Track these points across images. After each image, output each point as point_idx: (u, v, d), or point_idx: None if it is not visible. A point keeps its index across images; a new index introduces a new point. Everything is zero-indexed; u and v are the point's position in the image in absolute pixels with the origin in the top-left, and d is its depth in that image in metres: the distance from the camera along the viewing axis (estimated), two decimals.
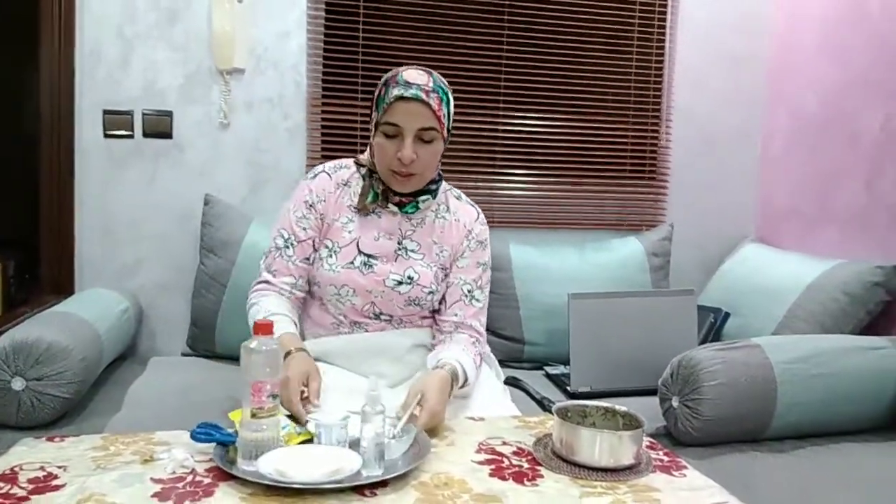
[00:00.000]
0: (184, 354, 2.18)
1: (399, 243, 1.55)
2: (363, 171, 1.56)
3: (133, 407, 1.69)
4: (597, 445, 1.18)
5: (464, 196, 1.66)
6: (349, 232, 1.54)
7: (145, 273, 2.25)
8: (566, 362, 2.08)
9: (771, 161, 2.64)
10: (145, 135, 2.23)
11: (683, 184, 2.63)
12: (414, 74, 1.45)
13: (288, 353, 1.37)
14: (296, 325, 1.50)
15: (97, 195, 2.22)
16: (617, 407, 1.30)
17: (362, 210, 1.54)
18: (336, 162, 1.61)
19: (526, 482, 1.13)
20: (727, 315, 2.23)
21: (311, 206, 1.54)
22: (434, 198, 1.57)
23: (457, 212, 1.60)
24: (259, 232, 2.11)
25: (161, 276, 2.26)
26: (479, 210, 1.65)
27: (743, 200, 2.69)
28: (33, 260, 2.26)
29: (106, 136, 2.22)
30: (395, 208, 1.54)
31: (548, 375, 2.12)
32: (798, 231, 2.48)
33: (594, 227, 2.56)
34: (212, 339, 2.10)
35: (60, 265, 2.19)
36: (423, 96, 1.42)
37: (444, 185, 1.61)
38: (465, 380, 1.46)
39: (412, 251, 1.55)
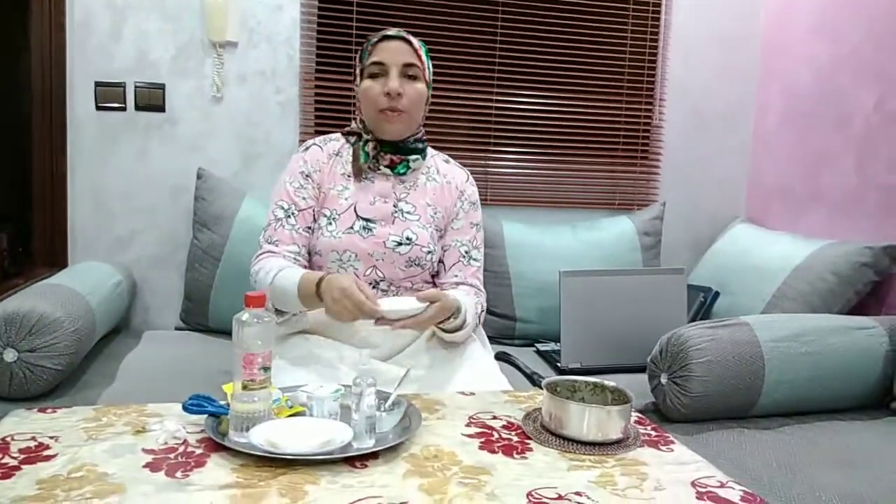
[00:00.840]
0: (177, 328, 2.18)
1: (395, 206, 1.58)
2: (352, 139, 1.60)
3: (126, 380, 1.70)
4: (585, 420, 1.19)
5: (452, 160, 1.71)
6: (346, 199, 1.56)
7: (138, 246, 2.25)
8: (557, 339, 2.09)
9: (762, 140, 2.64)
10: (137, 108, 2.22)
11: (675, 163, 2.63)
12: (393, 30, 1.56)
13: (320, 280, 1.39)
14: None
15: (89, 168, 2.21)
16: (606, 382, 1.31)
17: (357, 174, 1.56)
18: (324, 136, 1.66)
19: (515, 455, 1.15)
20: (717, 294, 2.24)
21: (307, 175, 1.57)
22: (423, 158, 1.62)
23: (447, 174, 1.65)
24: (252, 206, 2.11)
25: (154, 249, 2.26)
26: (468, 172, 1.70)
27: (734, 180, 2.70)
28: (27, 233, 2.25)
29: (98, 108, 2.20)
30: (388, 171, 1.58)
31: (539, 352, 2.13)
32: (788, 211, 2.49)
33: (586, 206, 2.57)
34: (205, 313, 2.11)
35: (53, 238, 2.18)
36: (405, 34, 1.54)
37: (430, 150, 1.66)
38: (464, 321, 1.50)
39: (408, 213, 1.58)
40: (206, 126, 2.27)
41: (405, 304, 1.39)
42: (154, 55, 2.21)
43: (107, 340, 1.97)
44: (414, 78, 1.54)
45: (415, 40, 1.55)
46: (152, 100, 2.21)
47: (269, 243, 1.55)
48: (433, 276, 1.64)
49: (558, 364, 1.96)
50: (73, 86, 2.17)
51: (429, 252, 1.57)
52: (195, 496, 0.96)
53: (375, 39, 1.55)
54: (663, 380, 1.67)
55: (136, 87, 2.20)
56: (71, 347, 1.54)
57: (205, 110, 2.26)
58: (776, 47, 2.58)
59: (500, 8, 2.44)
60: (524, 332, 2.24)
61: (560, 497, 1.01)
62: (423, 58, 1.56)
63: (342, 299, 1.34)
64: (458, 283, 1.61)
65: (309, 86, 2.34)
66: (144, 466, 1.05)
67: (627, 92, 2.58)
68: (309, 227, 1.56)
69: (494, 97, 2.48)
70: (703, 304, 2.22)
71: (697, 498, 1.03)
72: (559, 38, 2.50)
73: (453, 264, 1.62)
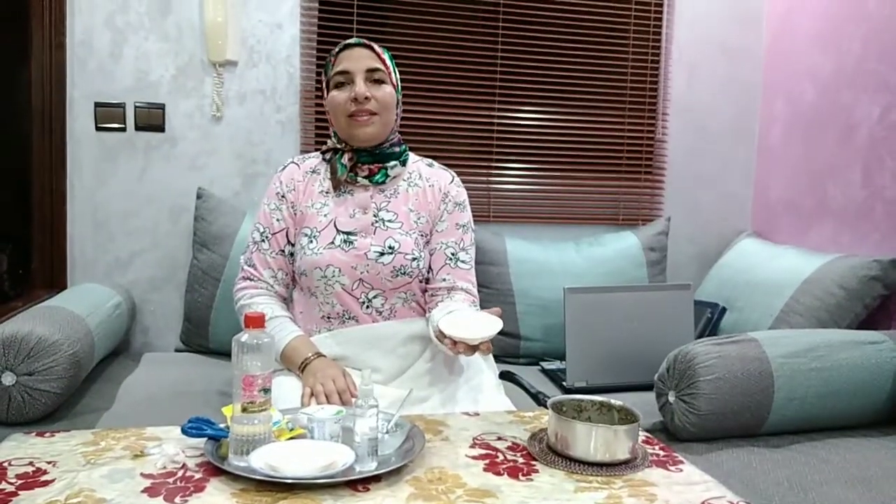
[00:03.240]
0: (177, 350, 2.16)
1: (375, 216, 1.56)
2: (328, 155, 1.61)
3: (125, 403, 1.68)
4: (592, 440, 1.17)
5: (436, 163, 1.69)
6: (324, 216, 1.56)
7: (138, 268, 2.23)
8: (563, 357, 2.07)
9: (767, 154, 2.63)
10: (137, 128, 2.21)
11: (680, 178, 2.62)
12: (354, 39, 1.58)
13: (306, 359, 1.45)
14: (295, 324, 1.55)
15: (89, 189, 2.20)
16: (612, 401, 1.29)
17: (336, 187, 1.57)
18: (304, 154, 1.68)
19: (521, 477, 1.12)
20: (724, 310, 2.22)
21: (282, 196, 1.58)
22: (403, 164, 1.60)
23: (430, 178, 1.64)
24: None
25: (154, 270, 2.24)
26: (454, 174, 1.68)
27: (740, 194, 2.68)
28: (26, 255, 2.24)
29: (98, 128, 2.19)
30: (366, 181, 1.57)
31: (544, 371, 2.11)
32: (795, 225, 2.47)
33: (590, 222, 2.55)
34: (205, 335, 2.08)
35: (52, 260, 2.17)
36: (365, 41, 1.56)
37: (412, 156, 1.65)
38: None
39: (389, 221, 1.56)
40: (206, 146, 2.26)
41: (487, 327, 1.34)
42: (154, 75, 2.21)
43: (106, 363, 1.95)
44: (380, 82, 1.53)
45: (376, 46, 1.55)
46: (152, 120, 2.21)
47: (248, 265, 1.59)
48: (424, 283, 1.61)
49: (564, 383, 1.94)
50: (72, 106, 2.17)
51: (413, 259, 1.54)
52: None
53: (337, 50, 1.55)
54: (671, 398, 1.64)
55: (135, 107, 2.20)
56: (70, 370, 1.52)
57: (205, 130, 2.26)
58: (779, 60, 2.58)
59: (500, 23, 2.44)
60: (529, 351, 2.22)
61: None
62: (388, 62, 1.56)
63: (335, 378, 1.40)
64: (449, 289, 1.58)
65: (309, 104, 2.33)
66: (143, 491, 1.03)
67: (630, 106, 2.57)
68: (282, 251, 1.57)
69: (496, 113, 2.47)
70: (710, 320, 2.20)
71: None
72: (560, 53, 2.49)
73: (440, 268, 1.59)
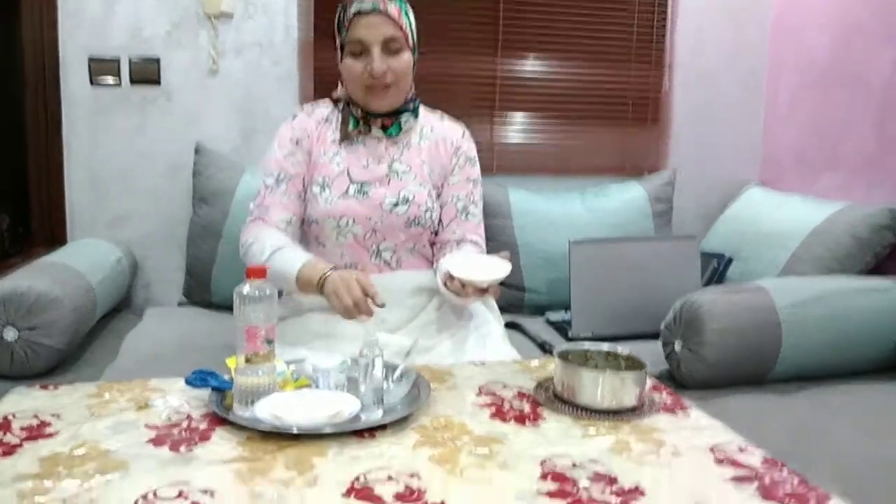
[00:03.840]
0: (180, 304, 2.15)
1: (389, 167, 1.54)
2: (340, 104, 1.56)
3: (129, 357, 1.67)
4: (599, 387, 1.16)
5: (446, 116, 1.65)
6: (337, 165, 1.52)
7: (138, 224, 2.21)
8: (568, 309, 2.06)
9: (776, 104, 2.57)
10: (132, 82, 2.17)
11: (687, 128, 2.57)
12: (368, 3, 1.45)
13: (322, 277, 1.37)
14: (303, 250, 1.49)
15: (85, 145, 2.16)
16: (619, 349, 1.28)
17: (346, 139, 1.52)
18: (311, 103, 1.62)
19: (527, 423, 1.12)
20: (730, 260, 2.20)
21: (297, 142, 1.54)
22: (415, 117, 1.57)
23: (441, 131, 1.60)
24: (252, 180, 2.06)
25: (154, 226, 2.22)
26: (465, 127, 1.64)
27: (747, 145, 2.63)
28: (25, 213, 2.22)
29: (92, 84, 2.15)
30: (380, 132, 1.54)
31: (549, 322, 2.10)
32: (803, 177, 2.43)
33: (595, 173, 2.51)
34: (207, 289, 2.07)
35: (51, 217, 2.15)
36: (381, 6, 1.44)
37: (423, 108, 1.61)
38: None
39: (403, 172, 1.54)
40: (202, 99, 2.22)
41: (496, 270, 1.33)
42: (148, 30, 2.15)
43: (109, 318, 1.95)
44: (397, 51, 1.47)
45: (392, 6, 1.45)
46: (147, 74, 2.16)
47: (260, 209, 1.52)
48: (433, 235, 1.59)
49: (569, 334, 1.93)
50: (66, 62, 2.12)
51: (427, 210, 1.53)
52: (200, 471, 0.94)
53: (352, 13, 1.45)
54: (677, 347, 1.63)
55: (130, 61, 2.15)
56: (71, 325, 1.52)
57: (201, 83, 2.21)
58: (790, 9, 2.50)
59: None
60: (534, 303, 2.20)
61: (575, 465, 0.98)
62: (405, 25, 1.47)
63: (351, 289, 1.32)
64: (458, 241, 1.57)
65: (307, 57, 2.28)
66: (148, 442, 1.02)
67: (636, 55, 2.51)
68: (300, 195, 1.53)
69: (499, 62, 2.41)
70: (716, 270, 2.18)
71: (717, 463, 1.00)
72: (564, 1, 2.42)
73: (450, 221, 1.58)
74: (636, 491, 0.91)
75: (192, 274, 2.09)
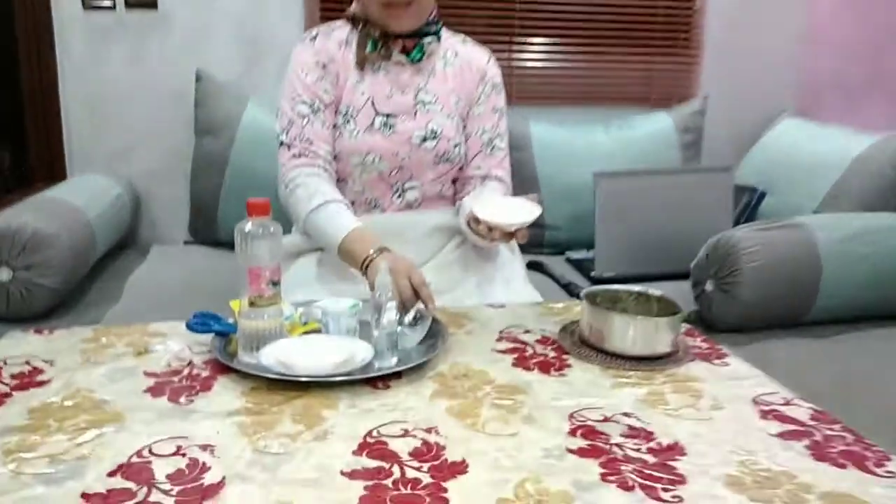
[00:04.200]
0: (186, 243, 2.07)
1: (415, 97, 1.42)
2: (358, 25, 1.41)
3: (131, 298, 1.61)
4: (630, 332, 1.07)
5: (469, 39, 1.52)
6: (361, 93, 1.40)
7: (139, 158, 2.11)
8: (590, 247, 1.97)
9: (815, 26, 2.39)
10: (128, 5, 2.03)
11: (718, 53, 2.42)
12: None
13: (367, 258, 1.23)
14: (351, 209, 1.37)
15: (81, 75, 2.05)
16: (651, 291, 1.19)
17: (362, 63, 1.39)
18: (326, 24, 1.46)
19: (552, 372, 1.04)
20: (763, 194, 2.08)
21: (323, 66, 1.39)
22: (438, 40, 1.44)
23: (466, 56, 1.48)
24: (257, 110, 1.96)
25: (156, 160, 2.12)
26: (490, 52, 1.51)
27: (782, 71, 2.47)
28: (24, 149, 2.12)
29: (85, 8, 2.02)
30: (402, 58, 1.41)
31: (570, 260, 2.01)
32: (843, 104, 2.28)
33: (620, 103, 2.38)
34: (213, 226, 1.99)
35: (49, 152, 2.05)
36: None
37: (445, 31, 1.48)
38: None
39: (430, 104, 1.42)
40: (202, 23, 2.08)
41: (525, 213, 1.24)
42: None
43: (111, 257, 1.87)
44: None
45: None
46: None
47: (302, 141, 1.35)
48: (458, 171, 1.49)
49: (592, 273, 1.84)
50: None
51: (456, 144, 1.43)
52: (200, 424, 0.87)
53: None
54: (709, 287, 1.55)
55: None
56: (68, 264, 1.44)
57: (201, 7, 2.07)
58: None
59: None
60: (554, 240, 2.11)
61: (606, 419, 0.90)
62: None
63: (401, 287, 1.17)
64: (483, 178, 1.47)
65: None
66: (145, 391, 0.96)
67: None
68: (334, 125, 1.40)
69: None
70: (748, 205, 2.06)
71: (761, 417, 0.92)
72: None
73: (475, 154, 1.47)
74: (675, 448, 0.83)
75: (197, 210, 2.01)
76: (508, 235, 1.25)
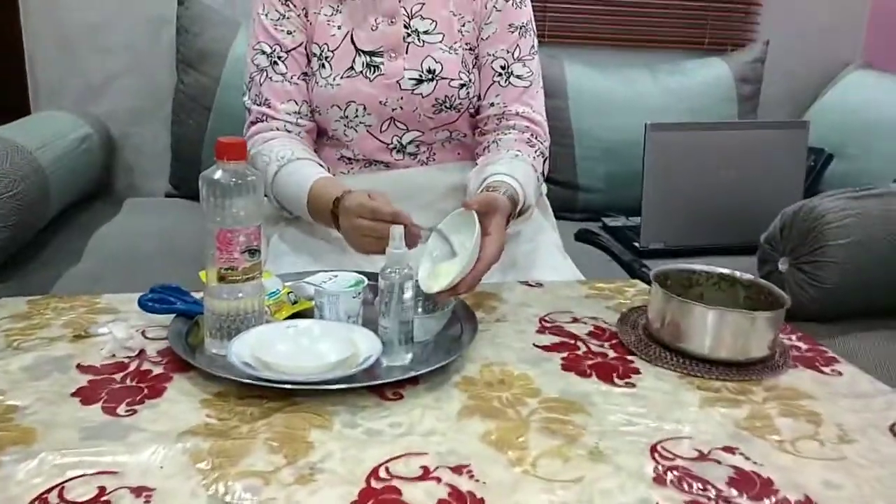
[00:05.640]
0: (167, 195, 1.81)
1: (406, 26, 1.13)
2: None
3: (94, 259, 1.36)
4: (719, 330, 0.82)
5: None
6: (337, 27, 1.13)
7: (115, 95, 1.84)
8: (629, 213, 1.74)
9: None
10: None
11: None
12: None
13: (337, 200, 0.98)
14: (322, 165, 1.11)
15: None
16: (737, 274, 0.93)
17: None
18: None
19: (616, 379, 0.79)
20: (830, 157, 1.82)
21: (286, 1, 1.12)
22: None
23: None
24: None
25: (133, 98, 1.85)
26: None
27: (851, 15, 2.20)
28: None
29: None
30: None
31: (606, 228, 1.74)
32: None
33: (669, 47, 2.10)
34: (197, 175, 1.71)
35: (9, 86, 1.78)
36: None
37: None
38: (525, 203, 1.06)
39: (425, 33, 1.13)
40: None
41: (450, 267, 0.87)
42: None
43: (78, 210, 1.62)
44: None
45: None
46: None
47: (259, 104, 1.13)
48: (476, 113, 1.20)
49: (635, 243, 1.58)
50: None
51: (462, 85, 1.14)
52: (139, 450, 0.63)
53: None
54: (782, 266, 1.30)
55: None
56: (11, 217, 1.18)
57: None
58: None
59: None
60: (588, 204, 1.86)
61: (701, 455, 0.66)
62: None
63: (354, 220, 0.93)
64: (497, 117, 1.17)
65: None
66: (73, 395, 0.71)
67: None
68: (304, 73, 1.14)
69: None
70: (812, 169, 1.80)
71: None
72: None
73: (488, 88, 1.17)
74: None
75: (179, 157, 1.75)
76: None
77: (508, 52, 1.16)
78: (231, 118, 1.63)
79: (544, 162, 1.17)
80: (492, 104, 1.17)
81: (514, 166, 1.08)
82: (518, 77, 1.17)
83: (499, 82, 1.17)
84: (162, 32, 1.80)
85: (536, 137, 1.17)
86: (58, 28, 1.78)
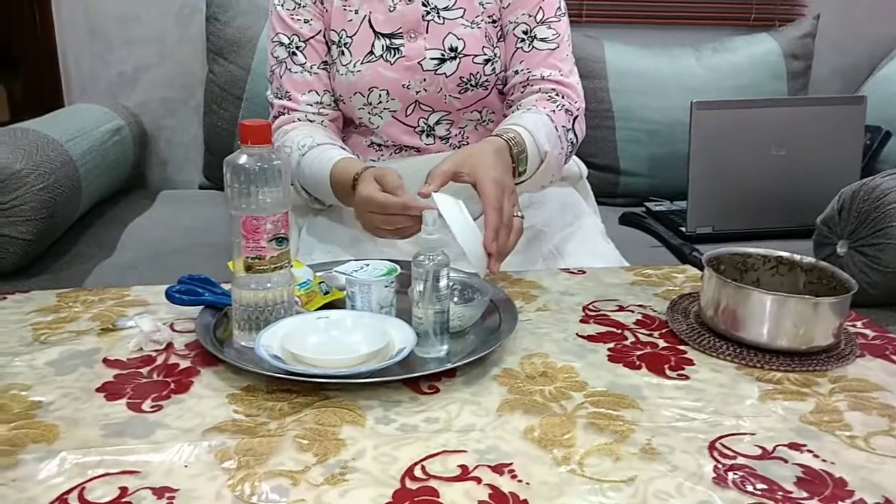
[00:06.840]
0: (201, 187, 1.80)
1: (425, 4, 1.09)
2: None
3: (128, 251, 1.35)
4: (779, 317, 0.76)
5: None
6: (354, 12, 1.09)
7: (146, 87, 1.83)
8: (672, 197, 1.69)
9: None
10: None
11: None
12: None
13: (356, 178, 0.95)
14: (344, 148, 1.08)
15: None
16: (797, 257, 0.87)
17: None
18: None
19: (668, 372, 0.73)
20: (888, 135, 1.71)
21: None
22: None
23: None
24: None
25: (165, 89, 1.83)
26: None
27: None
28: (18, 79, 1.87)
29: None
30: None
31: (650, 213, 1.68)
32: None
33: (714, 23, 2.00)
34: None
35: (43, 78, 1.78)
36: None
37: None
38: (536, 144, 0.98)
39: (445, 10, 1.09)
40: None
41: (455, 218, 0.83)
42: None
43: (112, 203, 1.61)
44: None
45: None
46: None
47: (280, 98, 1.12)
48: (503, 94, 1.15)
49: (682, 228, 1.52)
50: None
51: (487, 60, 1.09)
52: (164, 447, 0.60)
53: None
54: (841, 249, 1.23)
55: None
56: (42, 210, 1.17)
57: None
58: None
59: None
60: (629, 188, 1.79)
61: (765, 453, 0.60)
62: None
63: (366, 213, 0.92)
64: (523, 84, 1.10)
65: None
66: (99, 390, 0.68)
67: None
68: (324, 62, 1.11)
69: None
70: (868, 147, 1.70)
71: None
72: None
73: (511, 56, 1.11)
74: None
75: (212, 148, 1.73)
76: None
77: (530, 15, 1.10)
78: (263, 107, 1.59)
79: (574, 119, 1.08)
80: (516, 72, 1.11)
81: (521, 116, 1.02)
82: (542, 40, 1.10)
83: (522, 48, 1.10)
84: (192, 22, 1.78)
85: (561, 96, 1.09)
86: (89, 20, 1.78)
